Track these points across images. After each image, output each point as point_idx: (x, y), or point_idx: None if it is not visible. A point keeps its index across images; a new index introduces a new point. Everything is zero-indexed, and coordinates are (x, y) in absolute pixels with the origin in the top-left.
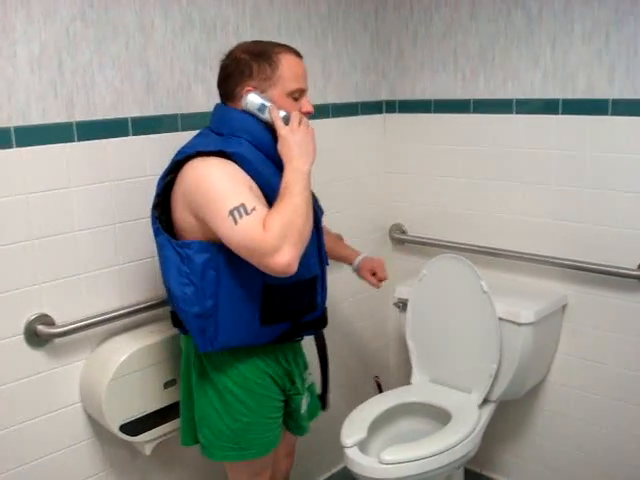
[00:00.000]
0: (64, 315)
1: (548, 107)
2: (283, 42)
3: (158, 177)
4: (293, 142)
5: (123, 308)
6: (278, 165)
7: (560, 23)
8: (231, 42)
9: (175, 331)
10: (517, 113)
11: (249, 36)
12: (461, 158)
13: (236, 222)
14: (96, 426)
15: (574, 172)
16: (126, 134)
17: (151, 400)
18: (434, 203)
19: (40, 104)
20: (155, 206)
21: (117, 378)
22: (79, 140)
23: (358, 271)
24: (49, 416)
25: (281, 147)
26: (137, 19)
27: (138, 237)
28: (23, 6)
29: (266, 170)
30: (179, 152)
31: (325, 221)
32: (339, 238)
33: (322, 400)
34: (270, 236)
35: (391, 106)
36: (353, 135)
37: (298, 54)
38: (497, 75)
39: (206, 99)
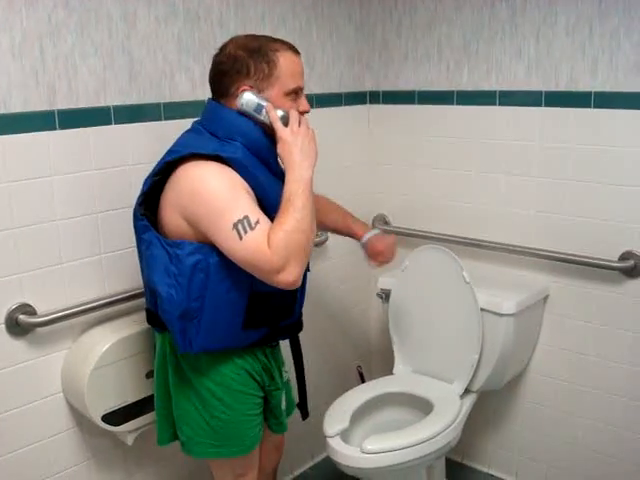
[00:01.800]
0: (46, 304)
1: (531, 99)
2: (267, 33)
3: (141, 165)
4: (294, 146)
5: (105, 298)
6: (273, 171)
7: (544, 15)
8: (215, 32)
9: None
10: (500, 105)
11: (233, 26)
12: (445, 149)
13: (241, 237)
14: (78, 416)
15: (557, 164)
16: (109, 123)
17: (133, 390)
18: (417, 194)
19: (21, 92)
20: (140, 204)
21: (99, 368)
22: (61, 128)
23: (367, 250)
24: (30, 406)
25: (281, 151)
26: (120, 7)
27: (120, 226)
28: None
29: (262, 177)
30: (171, 151)
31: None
32: (346, 212)
33: (301, 409)
34: (275, 256)
35: (375, 97)
36: (337, 126)
37: (296, 51)
38: (481, 67)
39: (189, 88)
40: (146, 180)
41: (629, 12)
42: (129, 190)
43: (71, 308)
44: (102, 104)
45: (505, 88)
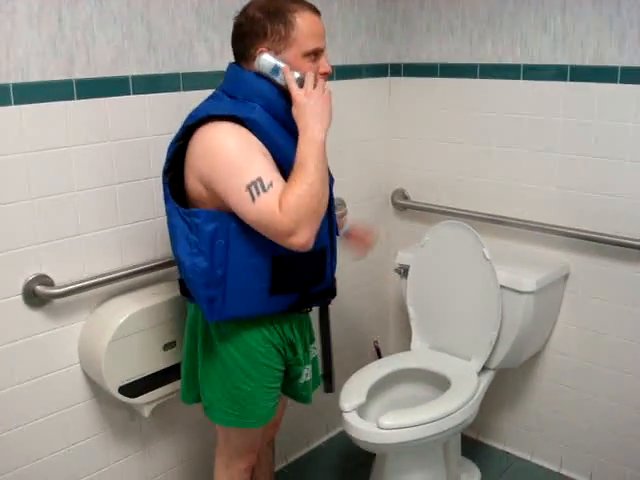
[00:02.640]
0: (63, 276)
1: (556, 74)
2: None
3: (159, 137)
4: (307, 107)
5: (123, 269)
6: (292, 132)
7: None
8: (235, 1)
9: (176, 293)
10: (525, 79)
11: None
12: (466, 124)
13: (253, 199)
14: (95, 387)
15: (581, 140)
16: (127, 93)
17: (150, 362)
18: (437, 169)
19: (39, 61)
20: (166, 171)
21: (116, 339)
22: (79, 98)
23: (350, 239)
24: (47, 377)
25: (296, 112)
26: None
27: (138, 198)
28: None
29: (280, 139)
30: (190, 116)
31: None
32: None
33: (326, 381)
34: (286, 218)
35: (396, 69)
36: (357, 98)
37: (316, 11)
38: (505, 40)
39: (209, 59)
40: (170, 146)
41: None
42: (147, 161)
43: (89, 279)
44: (120, 74)
45: (529, 62)
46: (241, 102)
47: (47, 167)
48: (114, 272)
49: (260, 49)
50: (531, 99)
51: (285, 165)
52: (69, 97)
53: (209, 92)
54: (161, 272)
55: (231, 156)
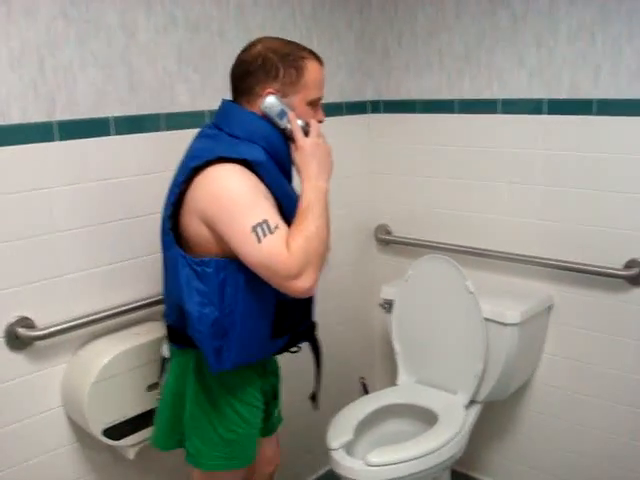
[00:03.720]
0: (45, 318)
1: (533, 107)
2: None
3: (141, 177)
4: (313, 157)
5: (105, 310)
6: (286, 174)
7: (545, 23)
8: (215, 42)
9: (160, 333)
10: (502, 113)
11: (233, 36)
12: (446, 158)
13: (260, 240)
14: (78, 430)
15: (559, 172)
16: (108, 133)
17: (135, 403)
18: (419, 203)
19: (20, 103)
20: (170, 216)
21: (100, 381)
22: (60, 140)
23: None
24: (30, 420)
25: (300, 160)
26: (119, 17)
27: (120, 238)
28: (3, 3)
29: (281, 180)
30: (194, 156)
31: None
32: None
33: (314, 401)
34: (294, 260)
35: (376, 106)
36: (338, 135)
37: (321, 61)
38: (482, 75)
39: (190, 99)
40: (172, 189)
41: (631, 19)
42: (129, 201)
43: (71, 321)
44: (101, 115)
45: (507, 96)
46: (244, 143)
47: (28, 208)
48: (96, 313)
49: (268, 90)
50: (509, 133)
51: (285, 206)
52: (50, 138)
53: (191, 131)
54: (144, 312)
55: (237, 197)
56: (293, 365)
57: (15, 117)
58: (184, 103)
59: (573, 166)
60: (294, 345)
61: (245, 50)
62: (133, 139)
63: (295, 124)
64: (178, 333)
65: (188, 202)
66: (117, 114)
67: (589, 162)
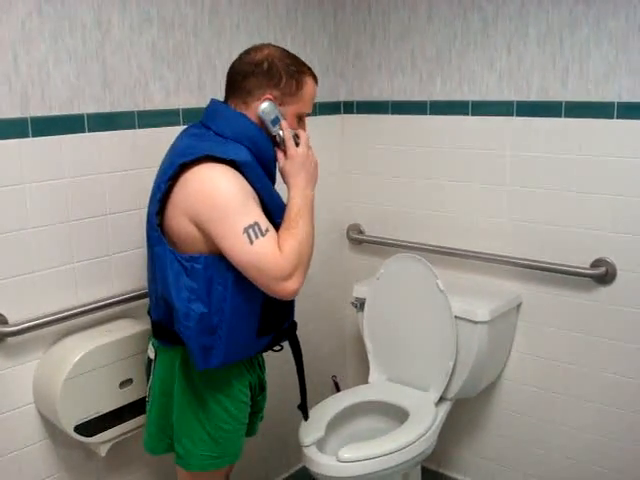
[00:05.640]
0: (18, 314)
1: (503, 109)
2: (242, 42)
3: (114, 174)
4: (302, 166)
5: (78, 307)
6: (270, 176)
7: (515, 26)
8: (190, 41)
9: (132, 330)
10: (473, 115)
11: (208, 35)
12: (418, 159)
13: (252, 242)
14: (50, 427)
15: (528, 173)
16: (82, 130)
17: (107, 400)
18: (391, 203)
19: None
20: (157, 212)
21: (72, 378)
22: (34, 136)
23: None
24: (1, 417)
25: (290, 168)
26: (94, 14)
27: (94, 235)
28: None
29: (267, 182)
30: (182, 153)
31: None
32: None
33: (302, 410)
34: (287, 262)
35: (349, 107)
36: (311, 135)
37: (317, 79)
38: (453, 77)
39: (164, 97)
40: (158, 185)
41: (598, 23)
42: (103, 198)
43: (43, 317)
44: (76, 112)
45: (477, 98)
46: (230, 142)
47: (2, 204)
48: (69, 310)
49: (267, 95)
50: (480, 134)
51: (270, 207)
52: (24, 135)
53: (164, 129)
54: (117, 309)
55: (229, 199)
56: (266, 362)
57: None
58: (158, 101)
59: (541, 167)
60: (277, 344)
61: (250, 52)
62: (107, 136)
63: (288, 133)
64: (164, 329)
65: (176, 200)
66: (91, 111)
67: (557, 163)
